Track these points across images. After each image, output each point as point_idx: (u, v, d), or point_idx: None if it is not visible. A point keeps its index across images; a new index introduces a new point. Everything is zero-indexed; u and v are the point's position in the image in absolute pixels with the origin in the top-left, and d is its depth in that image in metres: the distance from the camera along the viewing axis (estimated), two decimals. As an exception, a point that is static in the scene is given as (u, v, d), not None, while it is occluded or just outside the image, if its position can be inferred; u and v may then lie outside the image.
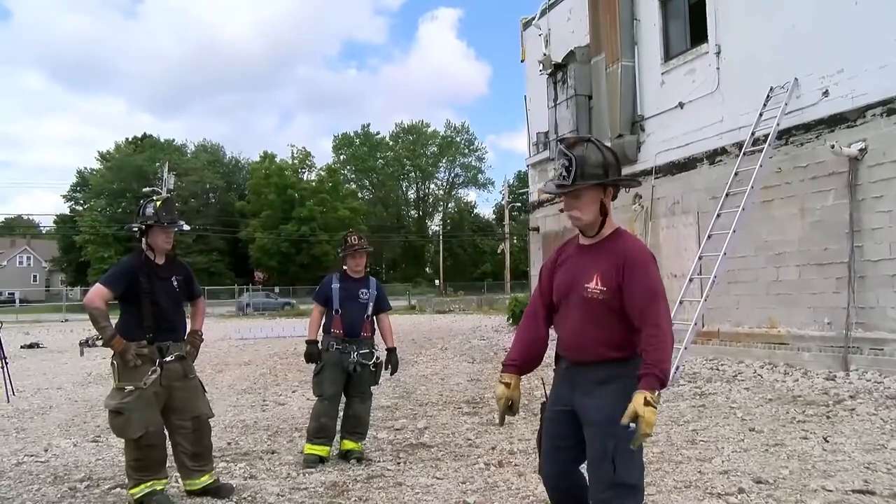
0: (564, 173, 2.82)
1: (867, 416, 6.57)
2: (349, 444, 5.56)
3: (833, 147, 9.39)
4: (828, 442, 5.65)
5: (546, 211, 17.47)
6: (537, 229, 17.99)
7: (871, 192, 9.12)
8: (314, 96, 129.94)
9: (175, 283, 4.63)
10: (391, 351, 5.69)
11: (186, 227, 4.91)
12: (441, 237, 71.67)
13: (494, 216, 77.38)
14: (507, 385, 2.94)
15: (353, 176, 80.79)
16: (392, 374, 5.78)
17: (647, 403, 2.53)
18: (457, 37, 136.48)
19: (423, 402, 8.33)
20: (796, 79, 10.20)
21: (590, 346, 2.82)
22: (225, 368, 12.41)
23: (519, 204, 57.26)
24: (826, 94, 9.81)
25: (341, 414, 5.66)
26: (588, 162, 2.80)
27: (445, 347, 15.47)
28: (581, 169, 2.79)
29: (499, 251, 53.14)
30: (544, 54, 16.69)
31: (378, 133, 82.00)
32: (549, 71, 16.22)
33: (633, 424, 2.54)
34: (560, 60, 15.95)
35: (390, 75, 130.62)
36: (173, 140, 75.10)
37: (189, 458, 4.56)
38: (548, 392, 3.05)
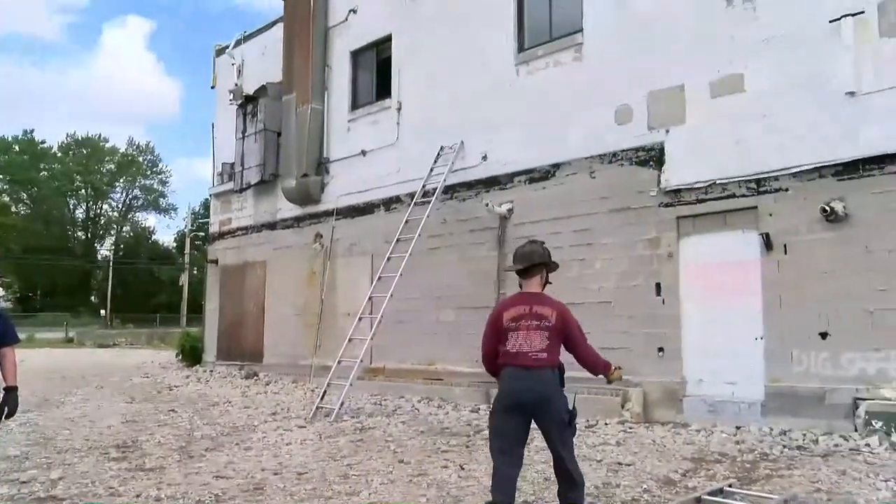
0: None
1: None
2: (-47, 503, 4.71)
3: (487, 205, 10.69)
4: (464, 469, 6.27)
5: (226, 243, 17.00)
6: (216, 261, 17.40)
7: (514, 247, 10.48)
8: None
9: None
10: (10, 390, 4.91)
11: None
12: (111, 263, 65.25)
13: (176, 244, 72.75)
14: None
15: (7, 187, 70.08)
16: (8, 417, 4.98)
17: None
18: (147, 49, 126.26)
19: (62, 448, 7.40)
20: (462, 142, 11.44)
21: None
22: None
23: (203, 233, 54.69)
24: (485, 158, 11.16)
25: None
26: None
27: (102, 386, 14.01)
28: None
29: (180, 282, 50.07)
30: (236, 84, 16.49)
31: (44, 142, 72.34)
32: (240, 102, 16.03)
33: None
34: (251, 93, 15.86)
35: (64, 79, 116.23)
36: None
37: None
38: None
